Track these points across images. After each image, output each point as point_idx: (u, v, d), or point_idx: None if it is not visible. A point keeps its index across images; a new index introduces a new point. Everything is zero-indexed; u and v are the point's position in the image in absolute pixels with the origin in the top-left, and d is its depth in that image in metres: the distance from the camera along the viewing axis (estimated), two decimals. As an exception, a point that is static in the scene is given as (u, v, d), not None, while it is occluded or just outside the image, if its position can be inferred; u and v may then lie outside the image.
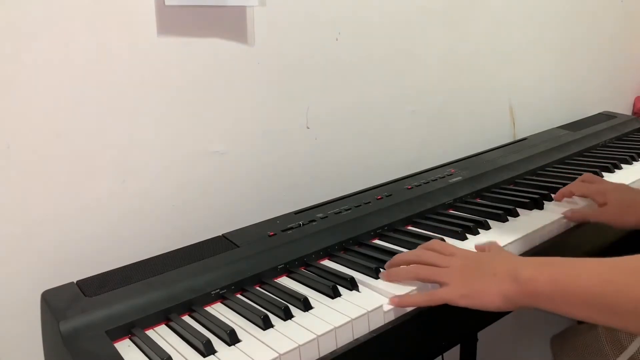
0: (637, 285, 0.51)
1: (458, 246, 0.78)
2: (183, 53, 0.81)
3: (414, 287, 0.66)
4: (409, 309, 0.65)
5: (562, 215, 0.84)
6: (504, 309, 0.61)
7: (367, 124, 1.07)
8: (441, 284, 0.64)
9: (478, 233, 0.81)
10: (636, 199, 0.83)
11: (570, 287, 0.55)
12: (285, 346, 0.57)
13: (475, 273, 0.63)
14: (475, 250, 0.71)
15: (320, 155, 1.00)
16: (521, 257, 0.64)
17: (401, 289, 0.66)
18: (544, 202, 0.91)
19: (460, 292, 0.62)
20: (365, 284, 0.69)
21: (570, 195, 0.90)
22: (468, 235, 0.80)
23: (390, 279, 0.68)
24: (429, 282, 0.66)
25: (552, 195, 0.91)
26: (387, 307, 0.63)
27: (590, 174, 0.93)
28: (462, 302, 0.62)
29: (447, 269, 0.65)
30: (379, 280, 0.69)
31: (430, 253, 0.68)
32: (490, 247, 0.71)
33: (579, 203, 0.90)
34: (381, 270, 0.71)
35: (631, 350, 0.81)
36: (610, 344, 0.85)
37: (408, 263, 0.69)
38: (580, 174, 1.02)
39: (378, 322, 0.63)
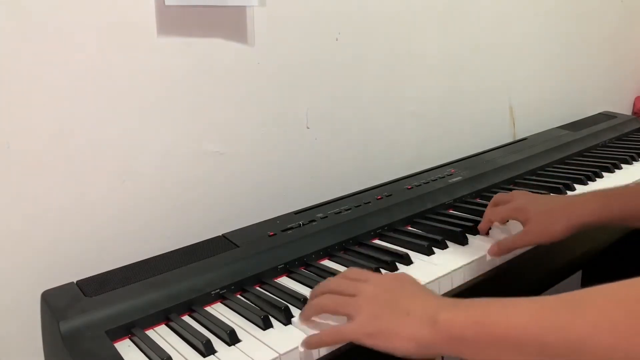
0: (573, 325, 0.44)
1: (459, 246, 0.78)
2: (183, 53, 0.81)
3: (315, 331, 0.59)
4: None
5: (489, 257, 0.75)
6: (416, 356, 0.52)
7: (367, 123, 1.07)
8: (348, 317, 0.55)
9: (478, 233, 0.81)
10: (557, 205, 0.75)
11: (499, 329, 0.47)
12: (285, 346, 0.57)
13: (386, 307, 0.54)
14: (391, 275, 0.63)
15: (320, 155, 1.00)
16: (441, 297, 0.56)
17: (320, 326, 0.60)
18: (468, 236, 0.86)
19: (366, 329, 0.53)
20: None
21: (490, 224, 0.81)
22: (468, 236, 0.80)
23: (303, 319, 0.60)
24: (334, 314, 0.58)
25: (479, 231, 0.81)
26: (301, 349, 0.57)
27: (500, 194, 0.82)
28: (368, 342, 0.53)
29: (354, 298, 0.56)
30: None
31: (341, 280, 0.60)
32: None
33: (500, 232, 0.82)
34: (381, 270, 0.71)
35: None
36: None
37: (318, 295, 0.60)
38: (581, 174, 1.03)
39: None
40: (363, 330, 0.53)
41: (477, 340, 0.48)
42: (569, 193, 0.96)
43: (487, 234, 0.81)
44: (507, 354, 0.47)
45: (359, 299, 0.55)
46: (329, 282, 0.60)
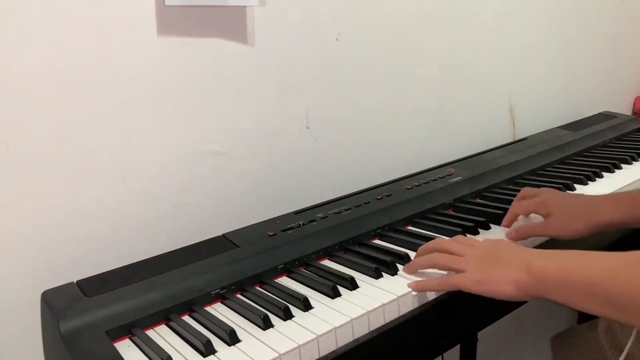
0: (637, 278, 0.52)
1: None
2: (183, 53, 0.81)
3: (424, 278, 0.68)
4: (409, 308, 0.65)
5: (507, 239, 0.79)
6: (515, 298, 0.61)
7: (367, 124, 1.07)
8: (457, 271, 0.66)
9: (478, 233, 0.81)
10: (580, 205, 0.79)
11: (578, 278, 0.56)
12: (285, 346, 0.57)
13: (490, 261, 0.64)
14: (491, 240, 0.72)
15: (320, 155, 1.00)
16: (535, 250, 0.65)
17: (402, 289, 0.66)
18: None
19: (474, 278, 0.63)
20: (365, 284, 0.69)
21: (516, 217, 0.84)
22: (468, 236, 0.80)
23: (409, 270, 0.70)
24: (445, 269, 0.68)
25: (496, 226, 0.84)
26: (408, 291, 0.66)
27: (528, 189, 0.86)
28: (475, 289, 0.63)
29: (463, 257, 0.66)
30: (379, 280, 0.70)
31: (449, 241, 0.70)
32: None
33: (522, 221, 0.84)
34: (381, 270, 0.71)
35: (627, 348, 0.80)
36: (610, 345, 0.85)
37: (429, 252, 0.70)
38: (580, 174, 1.03)
39: (378, 322, 0.63)
40: (472, 279, 0.64)
41: (560, 284, 0.58)
42: (571, 193, 0.96)
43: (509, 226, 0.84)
44: (581, 298, 0.56)
45: (467, 257, 0.66)
46: (440, 243, 0.71)
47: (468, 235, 0.80)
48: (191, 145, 0.84)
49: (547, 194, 0.82)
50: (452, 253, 0.68)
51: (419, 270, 0.70)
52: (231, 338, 0.58)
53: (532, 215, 0.84)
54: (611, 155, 1.18)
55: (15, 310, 0.72)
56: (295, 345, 0.57)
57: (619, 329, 0.85)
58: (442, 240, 0.72)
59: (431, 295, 0.67)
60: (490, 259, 0.65)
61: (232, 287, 0.68)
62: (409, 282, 0.68)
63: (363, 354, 0.61)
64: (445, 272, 0.69)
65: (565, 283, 0.57)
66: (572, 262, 0.59)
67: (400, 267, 0.72)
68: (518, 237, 0.79)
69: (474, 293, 0.63)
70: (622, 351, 0.81)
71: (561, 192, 0.87)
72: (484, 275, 0.63)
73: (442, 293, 0.68)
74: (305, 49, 0.95)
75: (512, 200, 0.90)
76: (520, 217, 0.85)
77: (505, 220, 0.84)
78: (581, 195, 0.87)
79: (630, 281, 0.52)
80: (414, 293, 0.66)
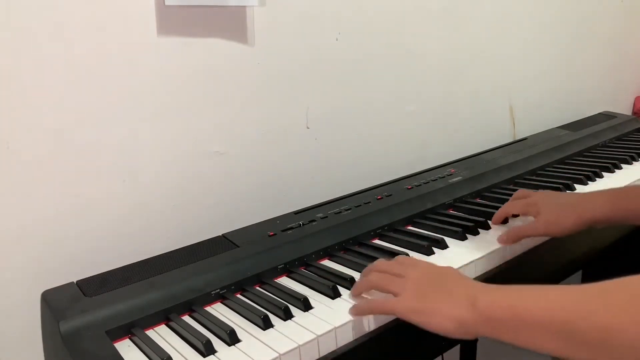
0: (602, 312, 0.46)
1: (458, 246, 0.78)
2: (183, 53, 0.81)
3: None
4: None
5: (499, 245, 0.78)
6: (454, 335, 0.55)
7: (367, 124, 1.07)
8: (394, 294, 0.60)
9: (478, 233, 0.81)
10: (568, 201, 0.78)
11: (532, 314, 0.50)
12: (285, 346, 0.57)
13: (431, 291, 0.58)
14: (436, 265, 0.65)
15: (320, 155, 1.00)
16: (482, 283, 0.59)
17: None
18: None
19: (410, 305, 0.58)
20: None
21: (505, 215, 0.84)
22: (468, 235, 0.80)
23: (353, 294, 0.66)
24: (382, 291, 0.62)
25: (489, 222, 0.84)
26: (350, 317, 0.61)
27: (522, 190, 0.87)
28: (410, 318, 0.57)
29: (401, 278, 0.61)
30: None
31: (391, 262, 0.65)
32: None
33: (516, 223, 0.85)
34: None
35: None
36: None
37: (370, 274, 0.65)
38: (581, 174, 1.03)
39: (378, 321, 0.63)
40: (408, 306, 0.58)
41: (511, 323, 0.52)
42: (561, 192, 0.96)
43: (502, 223, 0.84)
44: (538, 337, 0.50)
45: (407, 279, 0.60)
46: (380, 264, 0.65)
47: (454, 240, 0.79)
48: (191, 145, 0.84)
49: (538, 195, 0.82)
50: (390, 273, 0.62)
51: (363, 294, 0.65)
52: (231, 338, 0.58)
53: (523, 218, 0.84)
54: (611, 155, 1.18)
55: (15, 310, 0.72)
56: (295, 345, 0.57)
57: None
58: (381, 260, 0.67)
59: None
60: (431, 285, 0.59)
61: (232, 287, 0.69)
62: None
63: (363, 354, 0.61)
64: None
65: (517, 321, 0.51)
66: (525, 297, 0.52)
67: (344, 292, 0.71)
68: (509, 240, 0.77)
69: (408, 322, 0.58)
70: None
71: (553, 192, 0.86)
72: (420, 303, 0.57)
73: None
74: (305, 49, 0.95)
75: (512, 200, 0.91)
76: (510, 220, 0.85)
77: (494, 218, 0.84)
78: (569, 192, 0.88)
79: (596, 314, 0.46)
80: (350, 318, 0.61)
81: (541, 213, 0.77)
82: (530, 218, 0.80)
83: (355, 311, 0.62)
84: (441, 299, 0.57)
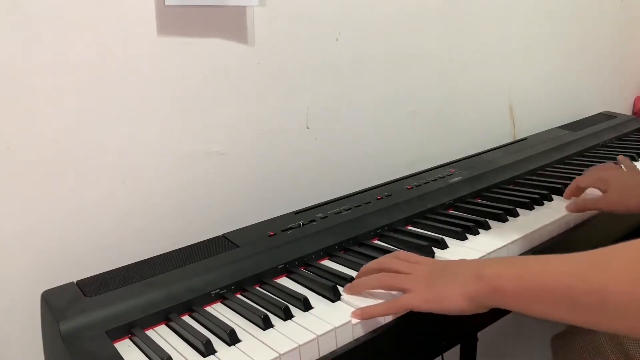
0: (599, 276, 0.49)
1: (458, 246, 0.78)
2: (183, 53, 0.81)
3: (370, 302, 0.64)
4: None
5: (564, 214, 0.85)
6: (468, 311, 0.59)
7: (367, 123, 1.07)
8: (404, 291, 0.62)
9: (478, 233, 0.81)
10: (636, 183, 0.83)
11: (536, 282, 0.53)
12: (285, 346, 0.57)
13: (439, 278, 0.61)
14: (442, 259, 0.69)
15: (320, 155, 1.00)
16: (485, 259, 0.63)
17: (367, 301, 0.64)
18: (544, 202, 0.92)
19: (423, 296, 0.60)
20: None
21: (577, 188, 0.91)
22: (468, 235, 0.80)
23: (352, 291, 0.66)
24: (392, 290, 0.64)
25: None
26: (354, 320, 0.61)
27: (594, 167, 0.94)
28: (426, 307, 0.60)
29: (410, 275, 0.63)
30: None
31: (395, 260, 0.67)
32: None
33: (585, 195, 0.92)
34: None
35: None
36: (610, 344, 0.85)
37: (373, 272, 0.66)
38: (580, 174, 1.02)
39: (378, 322, 0.63)
40: (422, 297, 0.60)
41: (517, 292, 0.55)
42: (631, 170, 1.00)
43: (569, 197, 0.91)
44: (542, 304, 0.53)
45: (414, 275, 0.63)
46: (384, 262, 0.67)
47: (454, 240, 0.80)
48: (191, 145, 0.84)
49: (608, 171, 0.88)
50: (398, 272, 0.64)
51: (364, 292, 0.66)
52: (231, 338, 0.58)
53: (588, 190, 0.91)
54: (611, 155, 1.18)
55: (15, 310, 0.72)
56: (295, 345, 0.57)
57: None
58: (387, 259, 0.68)
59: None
60: (438, 275, 0.62)
61: (232, 287, 0.68)
62: (351, 307, 0.63)
63: (363, 354, 0.61)
64: (394, 293, 0.65)
65: (523, 290, 0.54)
66: (528, 267, 0.55)
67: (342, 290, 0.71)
68: (576, 209, 0.84)
69: (425, 312, 0.60)
70: (623, 351, 0.81)
71: (625, 171, 0.93)
72: (432, 292, 0.60)
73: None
74: (305, 49, 0.95)
75: (512, 201, 0.91)
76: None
77: (567, 191, 0.91)
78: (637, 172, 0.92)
79: (594, 278, 0.49)
80: (354, 321, 0.61)
81: (608, 191, 0.83)
82: (595, 191, 0.87)
83: (370, 313, 0.62)
84: (450, 282, 0.60)
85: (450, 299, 0.59)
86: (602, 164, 0.94)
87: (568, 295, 0.50)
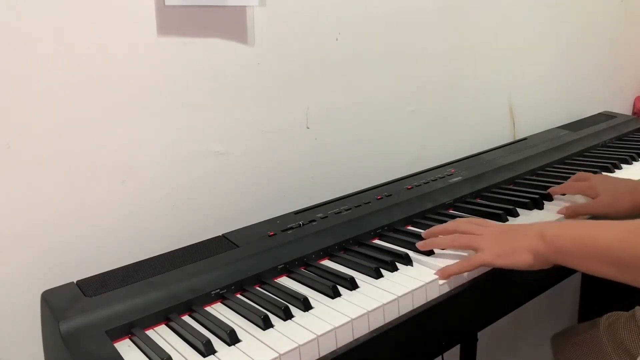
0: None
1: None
2: (183, 53, 0.81)
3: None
4: (409, 308, 0.65)
5: (562, 216, 0.85)
6: (534, 266, 0.67)
7: (367, 124, 1.07)
8: (477, 250, 0.70)
9: (478, 233, 0.81)
10: (625, 186, 0.88)
11: (589, 244, 0.62)
12: (285, 346, 0.57)
13: (507, 236, 0.70)
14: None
15: (320, 155, 1.00)
16: (549, 222, 0.71)
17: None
18: (544, 202, 0.92)
19: (495, 252, 0.68)
20: (365, 284, 0.69)
21: (563, 192, 0.94)
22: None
23: (427, 247, 0.74)
24: (466, 249, 0.72)
25: (559, 197, 0.93)
26: (434, 278, 0.69)
27: (582, 173, 0.96)
28: (498, 262, 0.68)
29: (482, 236, 0.71)
30: (379, 280, 0.70)
31: (467, 223, 0.75)
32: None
33: (576, 200, 0.92)
34: (381, 270, 0.71)
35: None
36: (611, 343, 0.85)
37: (445, 233, 0.75)
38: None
39: (378, 322, 0.63)
40: (493, 253, 0.69)
41: (574, 251, 0.64)
42: (617, 176, 1.05)
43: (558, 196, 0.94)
44: (593, 262, 0.62)
45: (485, 236, 0.71)
46: (459, 225, 0.75)
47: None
48: (191, 145, 0.84)
49: (597, 179, 0.92)
50: (470, 233, 0.72)
51: (437, 250, 0.74)
52: (231, 338, 0.58)
53: (578, 195, 0.94)
54: (611, 155, 1.18)
55: (15, 310, 0.72)
56: (295, 345, 0.57)
57: (621, 327, 0.85)
58: (459, 222, 0.76)
59: (433, 294, 0.68)
60: (507, 234, 0.70)
61: (232, 287, 0.69)
62: (428, 268, 0.71)
63: (363, 354, 0.61)
64: (465, 253, 0.73)
65: (578, 249, 0.63)
66: (584, 230, 0.64)
67: (400, 267, 0.72)
68: (569, 214, 0.86)
69: (497, 267, 0.68)
70: (624, 349, 0.81)
71: (611, 177, 0.99)
72: (502, 248, 0.68)
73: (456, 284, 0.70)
74: (305, 49, 0.95)
75: (512, 201, 0.91)
76: (567, 196, 0.94)
77: (552, 191, 0.94)
78: (626, 178, 0.97)
79: (636, 246, 0.58)
80: (433, 281, 0.68)
81: (600, 196, 0.87)
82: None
83: (446, 273, 0.69)
84: (518, 240, 0.68)
85: (518, 254, 0.67)
86: (582, 174, 0.96)
87: (617, 257, 0.60)
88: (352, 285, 0.68)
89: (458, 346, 1.15)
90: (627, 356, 0.82)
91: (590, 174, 0.95)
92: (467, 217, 0.83)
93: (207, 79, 0.84)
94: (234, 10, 0.85)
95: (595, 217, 0.87)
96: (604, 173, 1.07)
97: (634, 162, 1.15)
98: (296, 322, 0.61)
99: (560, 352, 0.95)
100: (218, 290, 0.67)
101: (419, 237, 0.81)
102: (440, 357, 0.93)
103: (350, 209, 0.86)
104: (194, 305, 0.65)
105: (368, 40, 1.03)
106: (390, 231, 0.84)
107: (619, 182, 0.92)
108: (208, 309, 0.66)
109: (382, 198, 0.90)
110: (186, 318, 0.64)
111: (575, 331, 0.95)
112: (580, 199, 0.92)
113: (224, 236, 0.79)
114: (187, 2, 0.78)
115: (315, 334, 0.58)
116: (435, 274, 0.69)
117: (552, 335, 1.00)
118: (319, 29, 0.96)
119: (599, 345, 0.87)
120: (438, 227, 0.77)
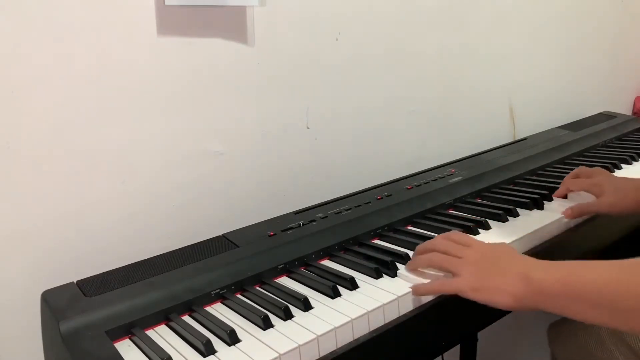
0: (637, 281, 0.53)
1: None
2: (183, 53, 0.81)
3: (424, 280, 0.68)
4: (409, 308, 0.65)
5: (562, 215, 0.85)
6: (511, 309, 0.62)
7: (367, 124, 1.07)
8: (453, 274, 0.66)
9: (478, 233, 0.81)
10: (630, 184, 0.87)
11: (577, 288, 0.57)
12: (285, 346, 0.57)
13: (487, 267, 0.64)
14: (490, 243, 0.71)
15: (320, 155, 1.00)
16: (534, 259, 0.65)
17: (402, 289, 0.66)
18: (544, 202, 0.91)
19: (471, 284, 0.63)
20: (365, 284, 0.69)
21: (568, 192, 0.92)
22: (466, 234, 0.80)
23: (409, 267, 0.71)
24: (442, 270, 0.68)
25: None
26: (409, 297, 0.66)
27: (583, 168, 0.95)
28: (472, 296, 0.63)
29: (461, 259, 0.66)
30: (379, 280, 0.70)
31: (446, 242, 0.70)
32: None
33: (575, 199, 0.92)
34: (381, 270, 0.71)
35: None
36: (608, 333, 0.85)
37: (427, 251, 0.71)
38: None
39: (378, 322, 0.63)
40: (469, 284, 0.63)
41: (561, 297, 0.58)
42: (620, 175, 1.04)
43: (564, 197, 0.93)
44: (584, 309, 0.57)
45: (465, 260, 0.66)
46: (437, 243, 0.70)
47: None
48: (191, 145, 0.84)
49: (601, 176, 0.90)
50: (448, 254, 0.68)
51: (419, 269, 0.70)
52: (231, 338, 0.58)
53: (582, 193, 0.91)
54: (611, 155, 1.18)
55: (15, 310, 0.72)
56: (295, 345, 0.57)
57: None
58: (438, 240, 0.71)
59: (428, 297, 0.67)
60: (487, 265, 0.65)
61: (232, 287, 0.68)
62: (409, 282, 0.68)
63: (363, 354, 0.61)
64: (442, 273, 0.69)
65: (565, 294, 0.58)
66: (571, 272, 0.59)
67: (400, 266, 0.72)
68: (574, 215, 0.85)
69: (472, 300, 0.63)
70: (621, 339, 0.81)
71: (614, 175, 0.96)
72: (480, 282, 0.63)
73: (439, 295, 0.67)
74: (305, 49, 0.95)
75: (512, 201, 0.91)
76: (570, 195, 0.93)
77: (556, 193, 0.92)
78: (630, 177, 0.95)
79: (630, 287, 0.54)
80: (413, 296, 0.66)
81: (605, 194, 0.86)
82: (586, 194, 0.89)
83: (417, 292, 0.66)
84: (499, 277, 0.62)
85: (496, 294, 0.61)
86: (583, 168, 0.95)
87: (608, 300, 0.55)
88: (352, 285, 0.68)
89: (458, 346, 1.15)
90: (623, 344, 0.81)
91: (592, 170, 0.94)
92: (452, 229, 0.80)
93: (207, 79, 0.84)
94: (234, 10, 0.85)
95: (599, 215, 0.88)
96: (604, 173, 1.07)
97: (634, 162, 1.15)
98: (296, 322, 0.61)
99: (556, 342, 0.95)
100: (218, 290, 0.67)
101: (419, 237, 0.81)
102: (440, 357, 0.93)
103: (350, 209, 0.86)
104: (194, 305, 0.65)
105: (368, 41, 1.03)
106: (390, 231, 0.84)
107: (623, 181, 0.90)
108: (208, 309, 0.66)
109: (382, 198, 0.90)
110: (186, 318, 0.64)
111: (572, 321, 0.94)
112: (579, 197, 0.91)
113: (224, 236, 0.79)
114: (187, 2, 0.78)
115: (315, 334, 0.58)
116: (410, 287, 0.66)
117: (549, 325, 0.99)
118: (319, 29, 0.96)
119: (596, 335, 0.86)
120: (421, 245, 0.73)
